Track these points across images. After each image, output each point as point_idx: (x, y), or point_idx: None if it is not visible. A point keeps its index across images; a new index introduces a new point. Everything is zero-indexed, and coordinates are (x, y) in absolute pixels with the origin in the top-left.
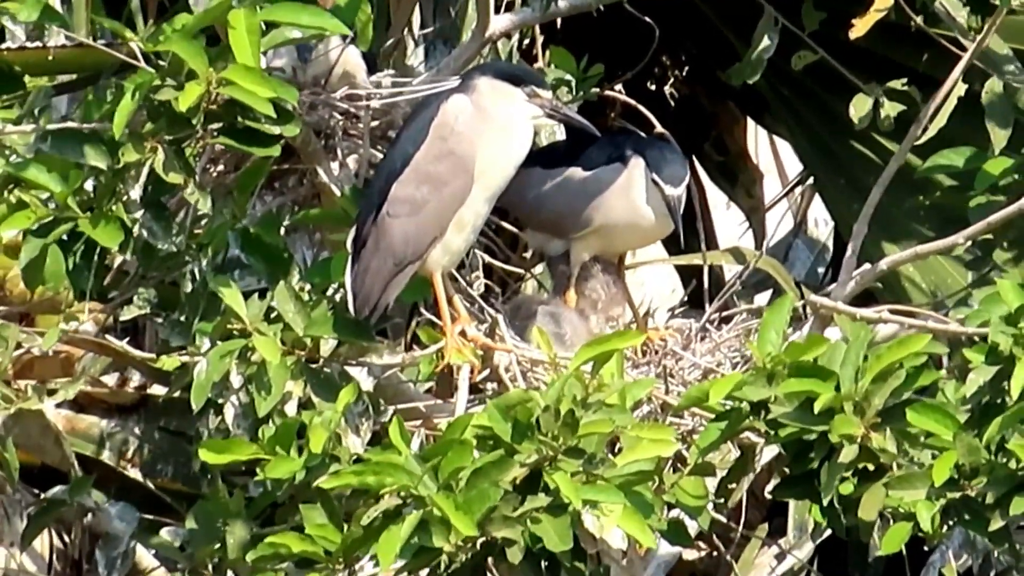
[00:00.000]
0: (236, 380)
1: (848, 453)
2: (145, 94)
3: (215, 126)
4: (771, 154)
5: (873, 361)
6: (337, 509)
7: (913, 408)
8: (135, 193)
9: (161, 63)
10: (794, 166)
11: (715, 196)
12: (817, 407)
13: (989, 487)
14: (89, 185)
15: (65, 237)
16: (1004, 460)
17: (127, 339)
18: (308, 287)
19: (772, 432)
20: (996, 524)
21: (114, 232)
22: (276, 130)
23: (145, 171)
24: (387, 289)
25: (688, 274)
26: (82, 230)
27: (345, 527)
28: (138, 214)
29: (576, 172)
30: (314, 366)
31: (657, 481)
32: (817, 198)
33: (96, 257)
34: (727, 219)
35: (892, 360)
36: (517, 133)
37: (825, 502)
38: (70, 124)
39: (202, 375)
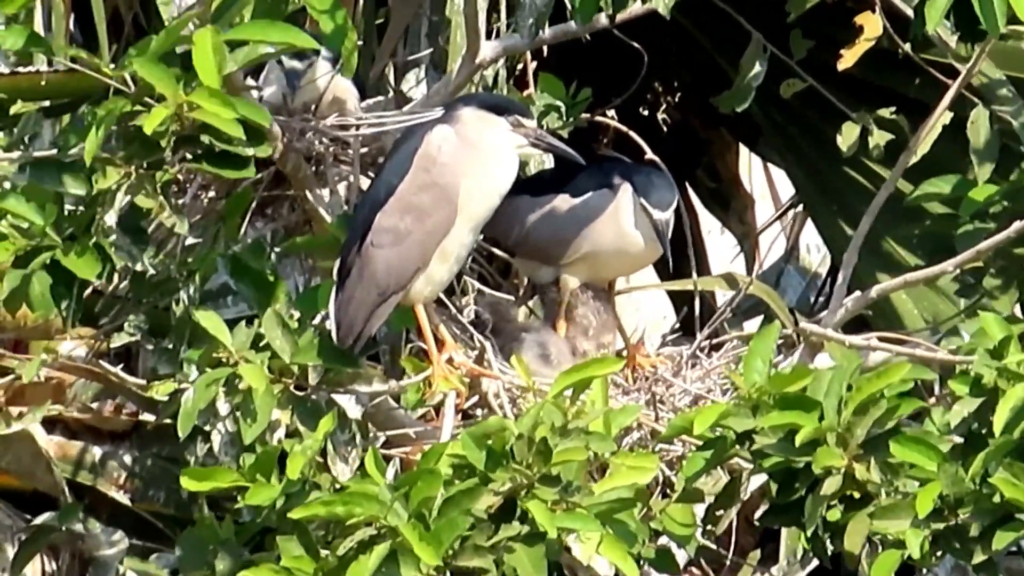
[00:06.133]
0: (223, 408)
1: (831, 484)
2: (116, 119)
3: (190, 150)
4: (765, 179)
5: (855, 391)
6: (313, 540)
7: (896, 440)
8: (111, 219)
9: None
10: (788, 192)
11: (708, 222)
12: (798, 440)
13: (973, 518)
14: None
15: (47, 261)
16: (988, 492)
17: (121, 365)
18: (297, 314)
19: (757, 462)
20: (980, 557)
21: (91, 262)
22: (248, 152)
23: (119, 196)
24: (371, 319)
25: (680, 300)
26: (59, 259)
27: (325, 555)
28: (115, 238)
29: (564, 199)
30: (301, 394)
31: (644, 508)
32: (809, 224)
33: (76, 284)
34: (720, 245)
35: (873, 390)
36: (501, 163)
37: (809, 532)
38: (49, 153)
39: (188, 403)
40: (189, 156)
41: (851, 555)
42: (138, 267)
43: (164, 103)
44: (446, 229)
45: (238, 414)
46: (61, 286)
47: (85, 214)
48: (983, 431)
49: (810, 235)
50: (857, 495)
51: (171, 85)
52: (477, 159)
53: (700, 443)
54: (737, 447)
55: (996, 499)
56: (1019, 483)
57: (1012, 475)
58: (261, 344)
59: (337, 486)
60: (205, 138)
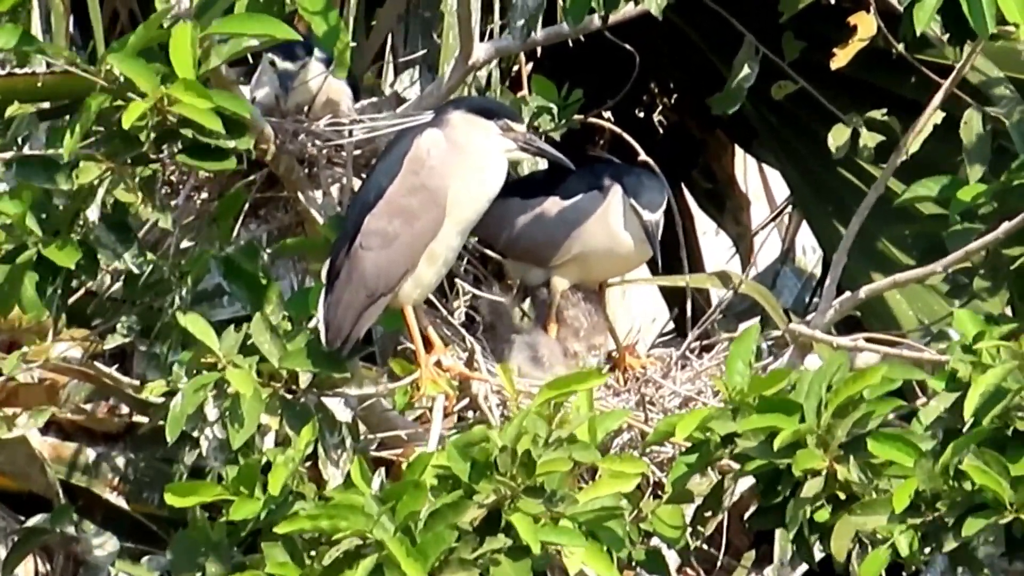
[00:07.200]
0: (212, 413)
1: (812, 486)
2: (98, 116)
3: (172, 144)
4: (759, 181)
5: (835, 394)
6: (298, 548)
7: (874, 438)
8: (93, 214)
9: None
10: (782, 193)
11: (703, 223)
12: (777, 443)
13: (949, 512)
14: None
15: (33, 257)
16: (961, 484)
17: (115, 366)
18: (288, 316)
19: (741, 466)
20: (951, 545)
21: (72, 253)
22: (229, 144)
23: (100, 192)
24: (359, 321)
25: (674, 302)
26: (41, 252)
27: (310, 562)
28: (99, 234)
29: (555, 201)
30: (290, 398)
31: (635, 510)
32: (804, 225)
33: (61, 276)
34: (715, 246)
35: (853, 392)
36: (490, 167)
37: (791, 536)
38: (36, 152)
39: (177, 408)
40: (173, 150)
41: (839, 553)
42: (120, 265)
43: (143, 98)
44: (434, 232)
45: (226, 419)
46: (47, 281)
47: (68, 209)
48: (960, 428)
49: (806, 236)
50: (843, 496)
51: (150, 79)
52: (466, 163)
53: (688, 445)
54: (721, 450)
55: (968, 487)
56: (990, 470)
57: (983, 463)
58: (250, 347)
59: (322, 496)
60: (187, 131)
